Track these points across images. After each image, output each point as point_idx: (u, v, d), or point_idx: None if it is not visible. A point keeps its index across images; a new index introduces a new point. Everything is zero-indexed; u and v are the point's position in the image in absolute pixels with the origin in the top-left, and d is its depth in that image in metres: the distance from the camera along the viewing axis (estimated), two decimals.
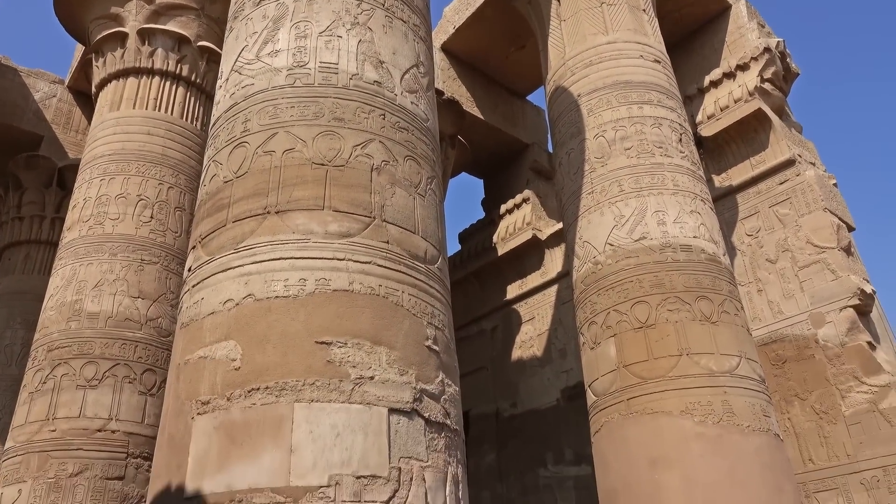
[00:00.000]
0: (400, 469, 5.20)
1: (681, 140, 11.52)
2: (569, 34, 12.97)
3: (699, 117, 15.39)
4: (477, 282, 19.79)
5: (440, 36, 19.05)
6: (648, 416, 9.36)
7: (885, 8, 50.31)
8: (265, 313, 5.64)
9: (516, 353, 18.07)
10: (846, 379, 12.10)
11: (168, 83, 14.02)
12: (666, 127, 11.52)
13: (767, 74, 14.97)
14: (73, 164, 16.55)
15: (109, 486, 10.26)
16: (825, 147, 51.01)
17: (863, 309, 12.54)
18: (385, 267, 6.04)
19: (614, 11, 12.79)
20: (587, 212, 11.30)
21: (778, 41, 15.62)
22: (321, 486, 4.91)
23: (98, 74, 14.50)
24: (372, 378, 5.46)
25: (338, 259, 5.90)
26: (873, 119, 56.14)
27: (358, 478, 5.01)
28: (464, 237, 20.87)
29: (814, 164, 14.47)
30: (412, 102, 7.24)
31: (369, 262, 5.98)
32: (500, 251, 19.04)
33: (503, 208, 19.55)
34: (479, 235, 20.17)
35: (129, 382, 11.01)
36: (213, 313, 5.83)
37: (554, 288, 17.78)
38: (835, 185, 14.47)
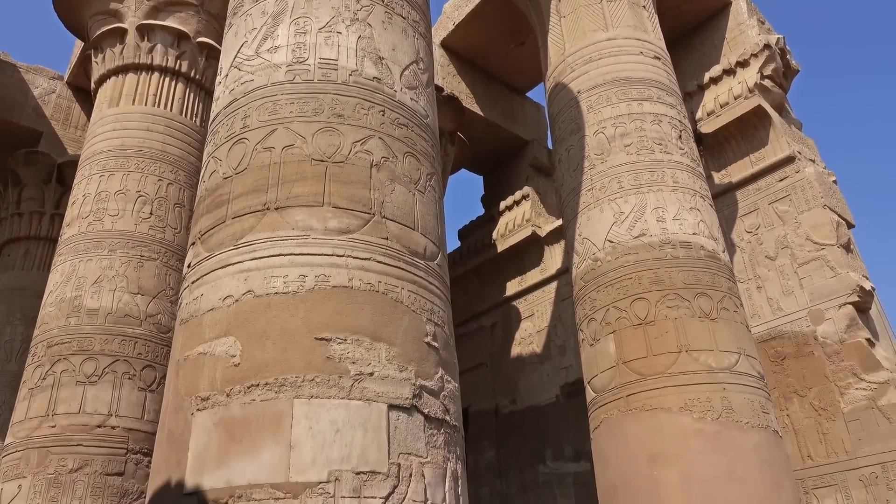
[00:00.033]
0: (399, 465, 5.21)
1: (680, 137, 11.52)
2: (568, 30, 12.96)
3: (699, 114, 15.39)
4: (476, 278, 19.80)
5: (440, 32, 19.03)
6: (647, 413, 9.37)
7: (885, 4, 50.26)
8: (265, 309, 5.64)
9: (516, 350, 18.09)
10: (845, 376, 12.12)
11: (167, 79, 14.00)
12: (666, 124, 11.51)
13: (767, 71, 14.95)
14: (72, 161, 16.54)
15: (109, 481, 10.28)
16: (825, 144, 51.00)
17: (862, 306, 12.56)
18: (385, 263, 6.05)
19: (614, 8, 12.78)
20: (587, 208, 11.30)
21: (778, 38, 15.60)
22: (321, 482, 4.92)
23: (97, 70, 14.48)
24: (371, 374, 5.47)
25: (337, 255, 5.90)
26: (873, 116, 56.13)
27: (357, 474, 5.02)
28: (463, 234, 20.87)
29: (813, 161, 14.47)
30: (412, 99, 7.24)
31: (369, 259, 5.98)
32: (500, 248, 19.05)
33: (503, 205, 19.55)
34: (478, 232, 20.17)
35: (129, 378, 11.02)
36: (212, 309, 5.84)
37: (553, 285, 17.78)
38: (834, 182, 14.47)
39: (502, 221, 19.36)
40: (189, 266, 6.47)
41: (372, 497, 4.98)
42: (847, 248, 13.14)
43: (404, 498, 5.11)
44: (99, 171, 12.79)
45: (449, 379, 6.09)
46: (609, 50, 12.28)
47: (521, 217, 18.83)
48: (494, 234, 19.42)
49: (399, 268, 6.11)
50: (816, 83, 52.65)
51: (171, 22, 14.22)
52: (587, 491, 13.63)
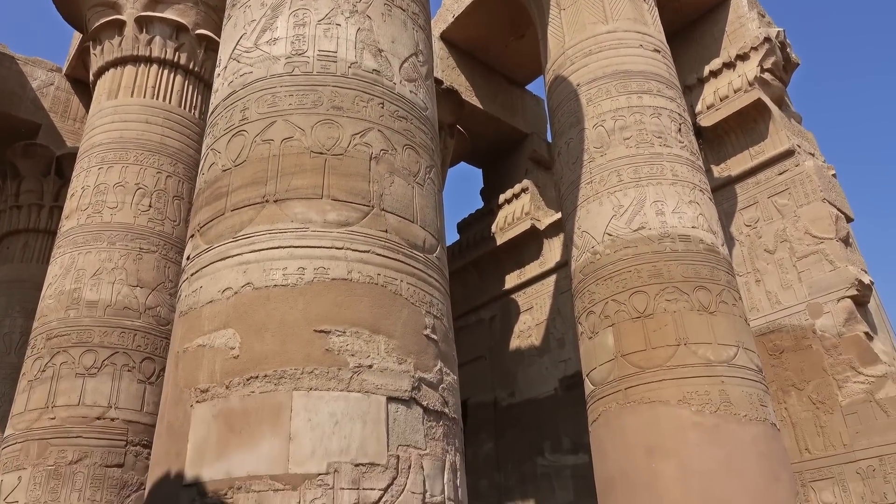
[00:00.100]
0: (398, 457, 5.23)
1: (680, 130, 11.50)
2: (568, 23, 12.92)
3: (699, 107, 15.37)
4: (475, 271, 19.81)
5: (439, 24, 18.98)
6: (646, 406, 9.40)
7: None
8: (264, 302, 5.65)
9: (514, 343, 18.12)
10: (843, 369, 12.15)
11: (166, 71, 13.97)
12: (665, 117, 11.50)
13: (767, 64, 14.93)
14: (71, 153, 16.52)
15: (109, 473, 10.31)
16: (824, 138, 50.95)
17: (860, 300, 12.58)
18: (384, 256, 6.05)
19: (614, 0, 12.74)
20: (586, 202, 11.30)
21: (778, 31, 15.57)
22: (320, 474, 4.93)
23: (96, 62, 14.45)
24: (370, 366, 5.48)
25: (336, 248, 5.90)
26: (873, 110, 56.08)
27: (356, 465, 5.03)
28: (462, 227, 20.87)
29: (813, 155, 14.46)
30: (411, 91, 7.22)
31: (368, 251, 5.98)
32: (499, 241, 19.05)
33: (502, 198, 19.54)
34: (477, 225, 20.17)
35: (128, 371, 11.04)
36: (211, 301, 5.84)
37: (552, 278, 17.80)
38: (834, 175, 14.47)
39: (501, 214, 19.36)
40: (188, 258, 6.47)
41: (371, 489, 5.00)
42: (846, 241, 13.15)
43: (403, 490, 5.13)
44: (98, 164, 12.77)
45: (448, 371, 6.10)
46: (609, 43, 12.25)
47: (520, 210, 18.83)
48: (493, 227, 19.42)
49: (398, 260, 6.11)
50: (816, 76, 52.56)
51: (169, 14, 14.17)
52: (585, 483, 13.68)
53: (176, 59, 14.06)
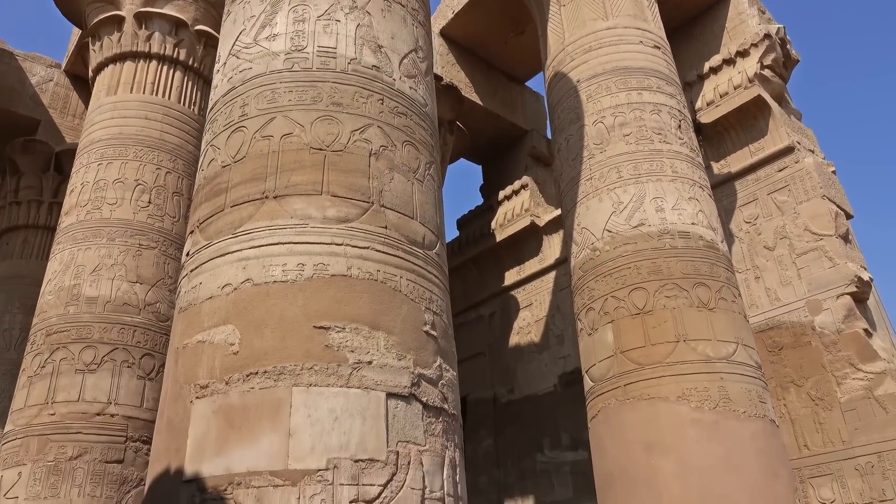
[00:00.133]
0: (398, 453, 5.23)
1: (680, 127, 11.49)
2: (568, 19, 12.90)
3: (698, 104, 15.36)
4: (475, 268, 19.81)
5: (439, 21, 18.95)
6: (645, 402, 9.40)
7: None
8: (263, 298, 5.65)
9: (514, 339, 18.13)
10: (842, 366, 12.16)
11: (165, 67, 13.95)
12: (665, 113, 11.49)
13: (767, 61, 14.91)
14: (70, 149, 16.50)
15: (109, 469, 10.32)
16: (824, 135, 50.94)
17: (860, 296, 12.58)
18: (383, 252, 6.05)
19: None
20: (585, 198, 11.29)
21: (778, 27, 15.55)
22: (319, 470, 4.94)
23: (95, 58, 14.42)
24: (370, 363, 5.48)
25: (336, 244, 5.90)
26: (873, 106, 56.04)
27: (356, 461, 5.04)
28: (462, 223, 20.87)
29: (813, 152, 14.46)
30: (411, 87, 7.22)
31: (367, 248, 5.98)
32: (499, 237, 19.05)
33: (501, 194, 19.54)
34: (477, 222, 20.17)
35: (128, 367, 11.04)
36: (211, 298, 5.84)
37: (552, 274, 17.80)
38: (833, 172, 14.47)
39: (501, 211, 19.35)
40: (188, 254, 6.47)
41: (370, 484, 5.01)
42: (845, 238, 13.16)
43: (402, 485, 5.14)
44: (97, 160, 12.76)
45: (447, 368, 6.11)
46: (609, 39, 12.24)
47: (519, 207, 18.83)
48: (493, 224, 19.42)
49: (398, 257, 6.11)
50: (816, 73, 52.51)
51: (168, 10, 14.15)
52: (584, 479, 13.70)
53: (175, 55, 14.04)
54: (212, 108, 7.28)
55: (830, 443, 11.94)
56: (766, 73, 14.80)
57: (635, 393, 9.53)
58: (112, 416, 10.64)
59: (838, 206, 13.49)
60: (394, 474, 5.12)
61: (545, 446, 16.20)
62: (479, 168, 22.33)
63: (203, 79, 14.27)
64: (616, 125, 11.37)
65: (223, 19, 8.01)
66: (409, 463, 5.25)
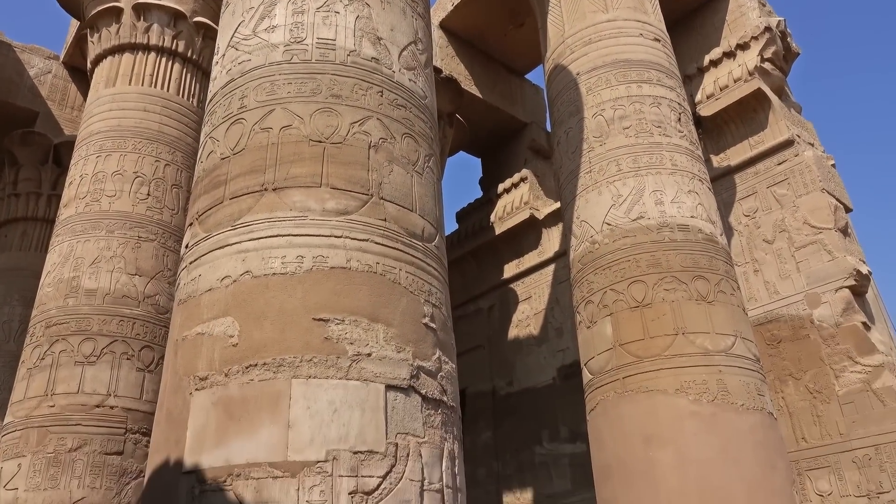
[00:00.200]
0: (397, 445, 5.24)
1: (679, 120, 11.48)
2: (568, 11, 12.86)
3: (698, 97, 15.33)
4: (474, 261, 19.82)
5: (438, 13, 18.89)
6: (644, 395, 9.42)
7: None
8: (263, 290, 5.65)
9: (513, 332, 18.15)
10: (840, 359, 12.19)
11: (164, 59, 13.91)
12: (665, 106, 11.47)
13: (767, 54, 14.89)
14: (69, 141, 16.47)
15: (108, 460, 10.35)
16: (824, 128, 50.87)
17: (858, 290, 12.60)
18: (382, 244, 6.04)
19: None
20: (585, 191, 11.29)
21: (779, 20, 15.52)
22: (318, 461, 4.95)
23: (93, 50, 14.38)
24: (369, 355, 5.49)
25: (335, 236, 5.90)
26: (873, 99, 55.96)
27: (355, 453, 5.05)
28: (461, 216, 20.86)
29: (812, 145, 14.45)
30: (410, 79, 7.20)
31: (367, 240, 5.98)
32: (498, 230, 19.05)
33: (501, 187, 19.52)
34: (476, 214, 20.16)
35: (127, 359, 11.06)
36: (210, 290, 5.84)
37: (551, 267, 17.81)
38: (833, 165, 14.47)
39: (500, 204, 19.35)
40: (187, 247, 6.47)
41: (370, 476, 5.02)
42: (844, 231, 13.17)
43: (402, 477, 5.15)
44: (96, 152, 12.74)
45: (446, 360, 6.12)
46: (609, 31, 12.20)
47: (519, 200, 18.82)
48: (492, 217, 19.41)
49: (397, 249, 6.11)
50: (817, 66, 52.40)
51: (167, 1, 14.09)
52: (583, 471, 13.75)
53: (174, 47, 14.00)
54: (211, 100, 7.26)
55: (828, 435, 11.99)
56: (767, 66, 14.78)
57: (634, 385, 9.55)
58: (111, 407, 10.66)
59: (837, 200, 13.49)
60: (393, 466, 5.14)
61: (544, 438, 16.25)
62: (478, 161, 22.31)
63: (202, 71, 14.23)
64: (616, 118, 11.35)
65: (222, 11, 7.98)
66: (408, 455, 5.26)
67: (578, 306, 10.99)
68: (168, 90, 13.63)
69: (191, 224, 6.58)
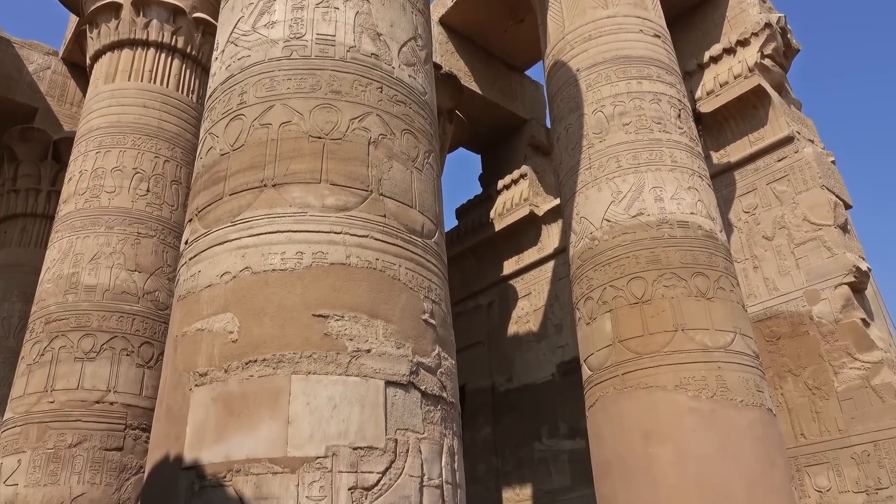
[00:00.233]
0: (396, 441, 5.25)
1: (679, 116, 11.47)
2: (568, 8, 12.84)
3: (698, 93, 15.32)
4: (474, 257, 19.82)
5: (438, 9, 18.85)
6: (643, 391, 9.43)
7: None
8: (262, 286, 5.65)
9: (512, 329, 18.16)
10: (839, 355, 12.20)
11: (163, 55, 13.89)
12: (665, 103, 11.46)
13: (768, 50, 14.86)
14: (68, 137, 16.45)
15: (108, 456, 10.37)
16: (824, 125, 50.86)
17: (858, 286, 12.61)
18: (382, 241, 6.04)
19: None
20: (585, 187, 11.28)
21: (779, 16, 15.49)
22: (318, 457, 4.96)
23: (92, 46, 14.35)
24: (369, 351, 5.49)
25: (335, 232, 5.90)
26: (873, 96, 55.93)
27: (355, 449, 5.06)
28: (461, 213, 20.86)
29: (812, 142, 14.44)
30: (410, 76, 7.19)
31: (366, 236, 5.98)
32: (497, 227, 19.04)
33: (500, 184, 19.51)
34: (476, 211, 20.15)
35: (127, 355, 11.06)
36: (210, 286, 5.84)
37: (550, 264, 17.81)
38: (833, 162, 14.46)
39: (500, 200, 19.34)
40: (186, 243, 6.47)
41: (369, 472, 5.03)
42: (844, 228, 13.17)
43: (401, 473, 5.16)
44: (95, 148, 12.73)
45: (446, 356, 6.12)
46: (609, 27, 12.18)
47: (518, 196, 18.81)
48: (492, 213, 19.41)
49: (397, 245, 6.11)
50: (817, 63, 52.36)
51: None
52: (582, 468, 13.77)
53: (173, 43, 13.97)
54: (210, 96, 7.25)
55: (827, 432, 12.01)
56: (767, 62, 14.76)
57: (633, 382, 9.56)
58: (111, 403, 10.67)
59: (837, 197, 13.49)
60: (392, 462, 5.15)
61: (543, 435, 16.27)
62: (478, 157, 22.29)
63: (201, 67, 14.21)
64: (615, 114, 11.34)
65: (221, 7, 7.97)
66: (407, 450, 5.27)
67: (578, 303, 10.99)
68: (167, 86, 13.62)
69: (190, 220, 6.57)
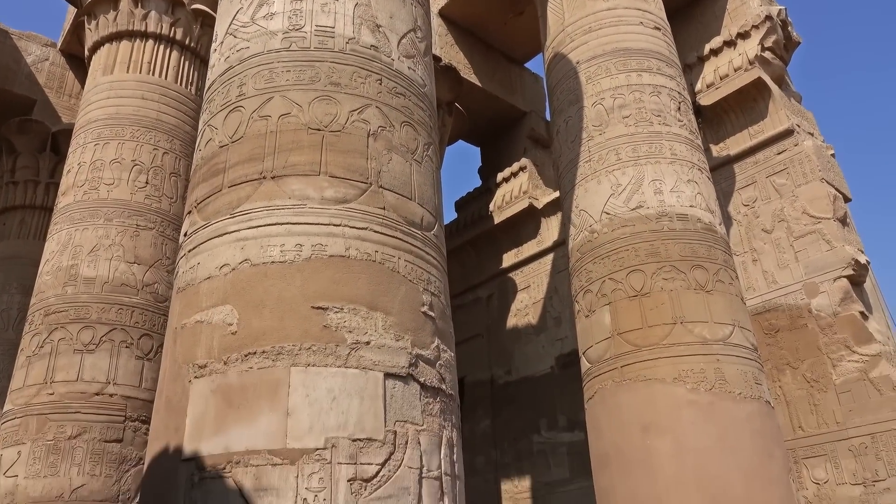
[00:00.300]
0: (395, 432, 5.26)
1: (679, 109, 11.45)
2: (568, 0, 12.80)
3: (698, 86, 15.28)
4: (473, 250, 19.82)
5: (438, 1, 18.78)
6: (641, 383, 9.45)
7: None
8: (262, 278, 5.65)
9: (511, 321, 18.18)
10: (838, 348, 12.23)
11: (162, 47, 13.85)
12: (665, 95, 11.44)
13: (768, 43, 14.83)
14: (66, 129, 16.41)
15: (108, 448, 10.39)
16: (824, 117, 50.78)
17: (856, 279, 12.62)
18: (381, 233, 6.04)
19: None
20: (584, 180, 11.27)
21: (780, 9, 15.45)
22: (318, 449, 4.97)
23: (91, 38, 14.31)
24: (368, 343, 5.50)
25: (334, 225, 5.89)
26: (874, 89, 55.83)
27: (354, 441, 5.07)
28: (460, 205, 20.84)
29: (812, 135, 14.42)
30: (409, 68, 7.17)
31: (365, 228, 5.98)
32: (497, 220, 19.04)
33: (500, 177, 19.49)
34: (475, 204, 20.14)
35: (126, 347, 11.08)
36: (209, 278, 5.84)
37: (550, 257, 17.82)
38: (832, 155, 14.45)
39: (499, 193, 19.32)
40: (185, 235, 6.46)
41: (368, 463, 5.04)
42: (843, 221, 13.17)
43: (400, 464, 5.17)
44: (94, 140, 12.71)
45: (445, 348, 6.13)
46: (609, 20, 12.14)
47: (518, 189, 18.79)
48: (491, 206, 19.39)
49: (396, 238, 6.11)
50: (817, 56, 52.23)
51: None
52: (581, 460, 13.81)
53: (172, 35, 13.93)
54: (209, 88, 7.23)
55: (825, 424, 12.04)
56: (767, 55, 14.72)
57: (632, 374, 9.58)
58: (111, 395, 10.70)
59: (837, 190, 13.49)
60: (391, 453, 5.16)
61: (542, 427, 16.31)
62: (477, 150, 22.26)
63: (200, 58, 14.17)
64: (615, 107, 11.32)
65: None
66: (406, 442, 5.28)
67: (577, 295, 11.00)
68: (166, 78, 13.59)
69: (189, 212, 6.57)
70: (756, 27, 14.88)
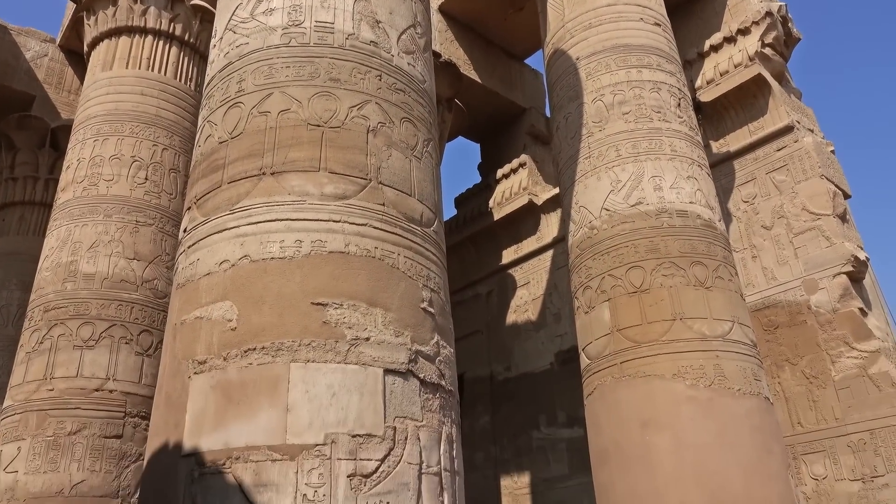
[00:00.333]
0: (395, 428, 5.27)
1: (679, 105, 11.44)
2: None
3: (698, 82, 15.27)
4: (472, 246, 19.82)
5: None
6: (641, 380, 9.46)
7: None
8: (261, 274, 5.65)
9: (511, 318, 18.19)
10: (837, 344, 12.24)
11: (161, 42, 13.82)
12: (665, 91, 11.43)
13: (768, 39, 14.81)
14: (65, 125, 16.39)
15: (108, 444, 10.40)
16: (824, 114, 50.75)
17: (856, 276, 12.63)
18: (381, 229, 6.04)
19: None
20: (584, 176, 11.27)
21: (780, 5, 15.43)
22: (317, 445, 4.98)
23: (90, 33, 14.28)
24: (367, 339, 5.50)
25: (333, 221, 5.89)
26: (874, 85, 55.79)
27: (353, 436, 5.08)
28: (460, 201, 20.83)
29: (812, 131, 14.42)
30: (409, 63, 7.16)
31: (365, 225, 5.98)
32: (496, 216, 19.03)
33: (499, 173, 19.48)
34: (475, 200, 20.13)
35: (126, 343, 11.08)
36: (208, 274, 5.84)
37: (549, 253, 17.82)
38: (832, 152, 14.44)
39: (499, 189, 19.32)
40: (185, 231, 6.46)
41: (368, 459, 5.05)
42: (843, 218, 13.17)
43: (400, 460, 5.18)
44: (93, 136, 12.69)
45: (444, 344, 6.13)
46: (609, 16, 12.13)
47: (517, 185, 18.79)
48: (491, 203, 19.39)
49: (395, 234, 6.11)
50: (817, 52, 52.18)
51: None
52: (580, 456, 13.83)
53: (171, 30, 13.90)
54: (208, 84, 7.22)
55: (824, 420, 12.06)
56: (767, 51, 14.70)
57: (631, 370, 9.59)
58: (110, 391, 10.70)
59: (836, 186, 13.48)
60: (391, 449, 5.17)
61: (541, 423, 16.34)
62: (477, 146, 22.24)
63: (199, 54, 14.15)
64: (615, 103, 11.31)
65: None
66: (406, 438, 5.29)
67: (576, 291, 11.00)
68: (165, 74, 13.56)
69: (189, 208, 6.56)
70: (756, 23, 14.86)
